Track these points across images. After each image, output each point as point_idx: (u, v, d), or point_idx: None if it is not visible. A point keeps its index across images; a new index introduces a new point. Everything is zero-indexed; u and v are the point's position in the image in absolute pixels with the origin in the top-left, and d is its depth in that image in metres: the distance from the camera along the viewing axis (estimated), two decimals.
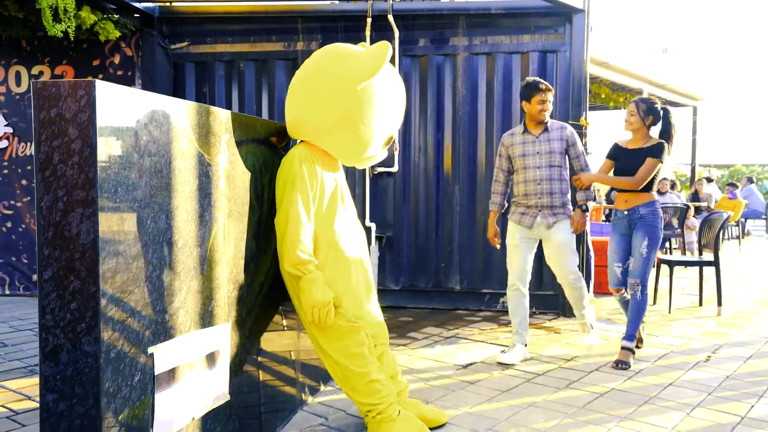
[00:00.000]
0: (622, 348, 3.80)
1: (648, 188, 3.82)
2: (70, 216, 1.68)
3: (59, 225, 1.68)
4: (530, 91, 3.85)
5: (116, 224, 1.74)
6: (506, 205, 4.07)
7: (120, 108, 1.74)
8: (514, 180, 3.94)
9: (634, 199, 3.84)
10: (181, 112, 2.01)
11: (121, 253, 1.75)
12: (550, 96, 3.85)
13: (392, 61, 5.25)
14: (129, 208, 1.78)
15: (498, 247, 4.11)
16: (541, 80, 3.86)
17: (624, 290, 3.93)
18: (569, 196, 3.96)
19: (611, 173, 4.01)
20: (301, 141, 2.66)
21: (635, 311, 3.81)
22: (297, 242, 2.41)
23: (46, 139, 1.67)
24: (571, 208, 3.95)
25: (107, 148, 1.69)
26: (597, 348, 4.15)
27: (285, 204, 2.47)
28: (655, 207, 3.82)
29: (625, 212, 3.86)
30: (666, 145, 3.79)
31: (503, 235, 4.13)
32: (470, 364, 3.78)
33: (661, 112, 3.87)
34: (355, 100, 2.49)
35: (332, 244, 2.56)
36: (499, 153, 4.01)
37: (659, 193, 10.30)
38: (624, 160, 3.88)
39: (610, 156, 4.00)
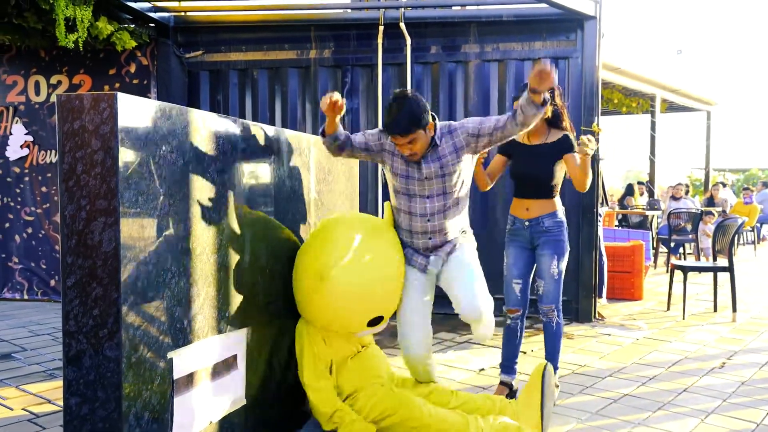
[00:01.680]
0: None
1: (552, 195, 3.17)
2: (93, 225, 1.73)
3: (82, 233, 1.73)
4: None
5: (137, 232, 1.78)
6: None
7: (140, 119, 1.79)
8: (395, 203, 2.85)
9: (538, 208, 3.18)
10: (199, 122, 2.05)
11: (141, 261, 1.80)
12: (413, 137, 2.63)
13: (404, 68, 5.30)
14: (149, 216, 1.83)
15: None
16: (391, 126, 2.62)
17: (520, 311, 3.29)
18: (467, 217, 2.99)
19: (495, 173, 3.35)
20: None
21: (553, 340, 3.25)
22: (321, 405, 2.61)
23: (70, 150, 1.72)
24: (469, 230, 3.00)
25: (128, 159, 1.74)
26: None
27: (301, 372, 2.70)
28: (559, 218, 3.19)
29: (526, 223, 3.19)
30: (570, 136, 3.17)
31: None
32: (483, 369, 3.79)
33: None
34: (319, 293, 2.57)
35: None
36: (377, 137, 2.80)
37: (673, 198, 10.24)
38: (524, 157, 3.21)
39: (502, 151, 3.29)
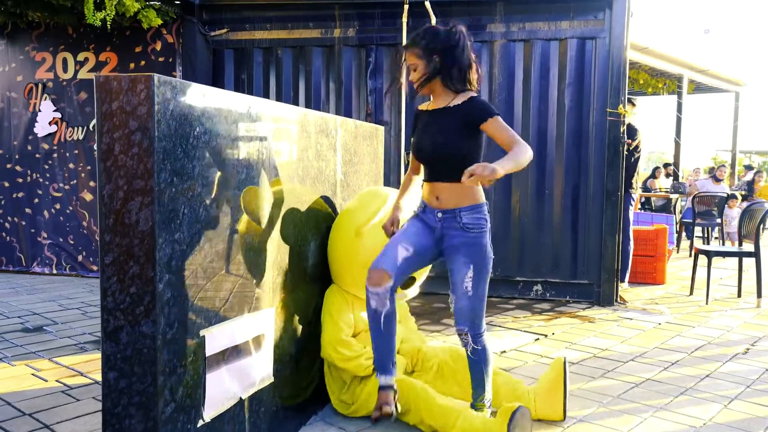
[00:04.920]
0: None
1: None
2: (130, 204, 1.76)
3: (120, 213, 1.77)
4: None
5: (172, 212, 1.82)
6: None
7: (176, 101, 1.81)
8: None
9: (451, 196, 2.38)
10: (232, 104, 2.07)
11: (176, 240, 1.84)
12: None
13: None
14: (183, 197, 1.86)
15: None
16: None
17: (390, 275, 2.37)
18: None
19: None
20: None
21: (474, 370, 2.50)
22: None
23: (108, 131, 1.75)
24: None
25: (164, 140, 1.77)
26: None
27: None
28: (483, 213, 2.40)
29: (439, 214, 2.42)
30: (477, 100, 2.38)
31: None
32: (504, 352, 3.82)
33: (456, 35, 2.36)
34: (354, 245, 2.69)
35: None
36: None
37: (715, 179, 9.99)
38: (426, 127, 2.46)
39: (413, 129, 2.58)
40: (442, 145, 2.37)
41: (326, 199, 2.88)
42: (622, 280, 5.65)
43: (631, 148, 5.58)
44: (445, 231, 2.42)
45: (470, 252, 2.37)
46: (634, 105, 5.60)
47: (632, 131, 5.58)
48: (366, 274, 2.45)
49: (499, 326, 4.40)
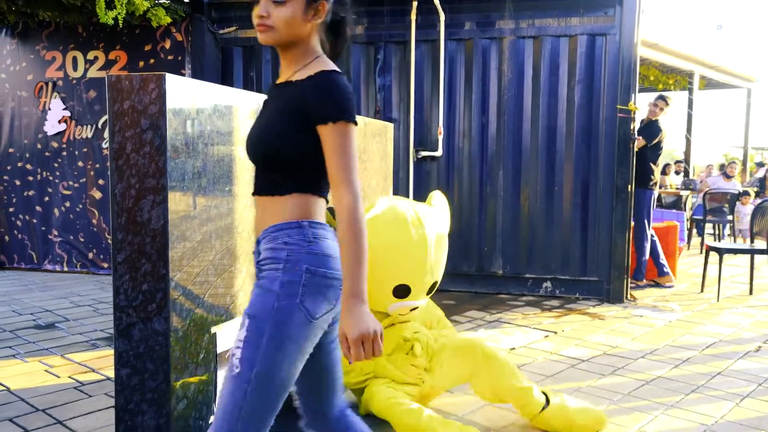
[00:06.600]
0: None
1: (283, 188, 1.47)
2: (142, 202, 1.77)
3: (132, 211, 1.78)
4: None
5: (183, 210, 1.83)
6: None
7: (187, 100, 1.82)
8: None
9: (264, 215, 1.50)
10: (242, 102, 2.08)
11: (187, 238, 1.85)
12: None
13: (437, 44, 5.24)
14: (195, 195, 1.87)
15: None
16: None
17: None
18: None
19: None
20: None
21: None
22: None
23: (120, 130, 1.77)
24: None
25: (176, 138, 1.78)
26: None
27: None
28: (290, 238, 1.43)
29: (255, 246, 1.55)
30: (329, 77, 1.44)
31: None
32: (513, 348, 3.81)
33: None
34: None
35: None
36: None
37: (726, 176, 9.90)
38: (264, 110, 1.58)
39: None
40: (257, 140, 1.50)
41: None
42: (637, 278, 5.62)
43: (653, 143, 5.57)
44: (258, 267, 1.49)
45: (252, 300, 1.42)
46: (668, 104, 5.58)
47: (657, 129, 5.57)
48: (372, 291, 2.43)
49: (509, 323, 4.39)
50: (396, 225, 2.63)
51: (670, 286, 5.72)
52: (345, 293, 1.34)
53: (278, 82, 1.55)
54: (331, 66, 1.47)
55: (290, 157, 1.45)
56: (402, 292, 2.69)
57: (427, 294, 2.80)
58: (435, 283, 2.80)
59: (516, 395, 2.60)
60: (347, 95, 1.43)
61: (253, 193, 1.53)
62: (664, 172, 11.34)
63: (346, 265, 1.35)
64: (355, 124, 1.44)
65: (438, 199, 3.00)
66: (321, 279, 1.40)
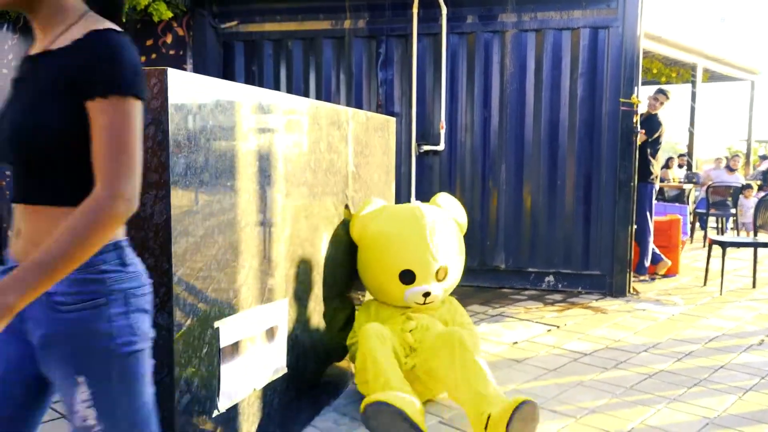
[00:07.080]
0: None
1: (71, 196, 1.13)
2: (145, 197, 1.77)
3: None
4: None
5: (186, 205, 1.83)
6: None
7: (190, 94, 1.82)
8: None
9: (36, 231, 1.15)
10: (244, 97, 2.08)
11: (190, 233, 1.85)
12: None
13: (439, 38, 5.23)
14: (197, 189, 1.87)
15: None
16: None
17: None
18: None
19: None
20: None
21: None
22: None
23: None
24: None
25: (178, 133, 1.78)
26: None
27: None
28: (107, 265, 1.17)
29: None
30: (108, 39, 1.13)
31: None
32: (516, 343, 3.82)
33: None
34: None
35: None
36: None
37: (729, 169, 9.86)
38: (18, 89, 1.21)
39: None
40: (18, 134, 1.15)
41: (339, 191, 2.89)
42: (640, 272, 5.62)
43: (653, 138, 5.56)
44: (26, 311, 1.12)
45: (74, 351, 1.18)
46: (668, 97, 5.57)
47: (656, 123, 5.56)
48: (374, 272, 2.93)
49: (511, 317, 4.40)
50: (395, 214, 2.89)
51: (672, 275, 5.73)
52: (30, 264, 1.04)
53: (32, 53, 1.21)
54: (106, 24, 1.15)
55: (70, 146, 1.12)
56: (408, 278, 2.77)
57: (440, 280, 2.83)
58: (445, 270, 2.83)
59: (472, 399, 2.42)
60: (128, 60, 1.10)
61: (16, 201, 1.17)
62: (666, 166, 11.31)
63: (56, 246, 1.04)
64: (140, 99, 1.12)
65: (444, 198, 3.06)
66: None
